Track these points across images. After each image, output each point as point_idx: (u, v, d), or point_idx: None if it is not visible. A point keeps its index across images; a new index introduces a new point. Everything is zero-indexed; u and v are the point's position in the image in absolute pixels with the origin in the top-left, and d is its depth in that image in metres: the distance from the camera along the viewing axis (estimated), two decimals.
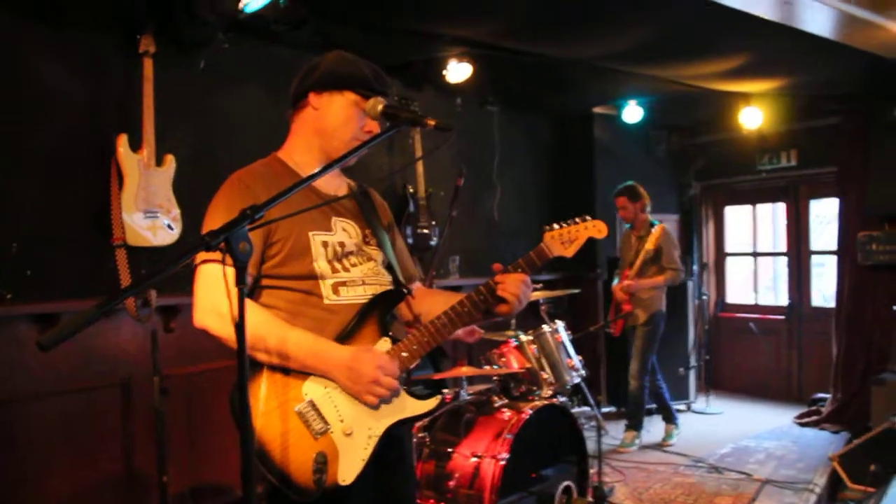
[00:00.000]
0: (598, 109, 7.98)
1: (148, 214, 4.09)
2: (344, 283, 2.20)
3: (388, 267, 2.40)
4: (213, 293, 2.03)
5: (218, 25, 4.50)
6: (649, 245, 6.19)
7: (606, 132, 8.08)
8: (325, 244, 2.18)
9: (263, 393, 2.05)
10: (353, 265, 2.24)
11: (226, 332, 2.01)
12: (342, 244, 2.23)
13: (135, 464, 4.18)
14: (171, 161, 4.24)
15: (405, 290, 2.35)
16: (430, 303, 2.46)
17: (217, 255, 1.96)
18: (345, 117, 2.22)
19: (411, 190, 6.09)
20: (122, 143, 4.06)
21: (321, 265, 2.16)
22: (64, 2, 4.09)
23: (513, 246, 6.99)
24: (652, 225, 6.32)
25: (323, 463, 2.01)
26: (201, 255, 2.04)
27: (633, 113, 7.56)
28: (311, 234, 2.16)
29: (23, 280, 3.87)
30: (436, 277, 5.59)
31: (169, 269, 1.58)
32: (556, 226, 2.37)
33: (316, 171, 2.05)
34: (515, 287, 2.24)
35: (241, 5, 4.20)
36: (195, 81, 4.63)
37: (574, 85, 6.94)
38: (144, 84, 4.15)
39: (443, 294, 2.58)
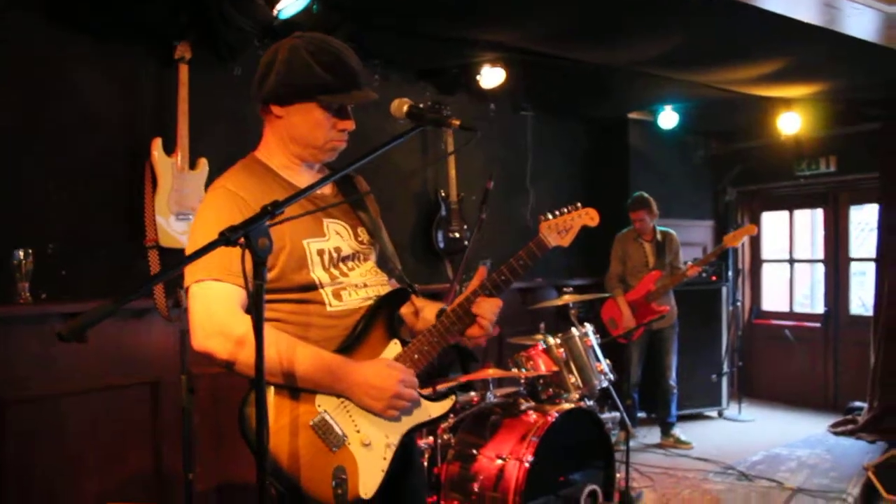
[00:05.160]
0: (633, 115, 7.95)
1: (181, 217, 4.16)
2: (344, 288, 2.13)
3: (384, 261, 2.33)
4: (214, 313, 1.96)
5: (253, 32, 4.56)
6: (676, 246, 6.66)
7: (642, 138, 8.04)
8: (320, 252, 2.10)
9: (273, 409, 1.97)
10: (351, 269, 2.17)
11: (233, 354, 1.93)
12: (338, 249, 2.15)
13: (164, 461, 4.25)
14: (204, 165, 4.30)
15: (411, 289, 2.28)
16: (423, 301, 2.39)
17: (213, 274, 1.94)
18: (312, 125, 2.10)
19: (443, 194, 6.11)
20: (157, 146, 4.14)
21: (319, 273, 2.09)
22: (99, 9, 4.15)
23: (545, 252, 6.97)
24: (655, 229, 6.61)
25: (343, 477, 1.92)
26: (194, 275, 1.98)
27: (668, 118, 7.53)
28: (305, 242, 2.07)
29: (57, 280, 3.96)
30: (465, 281, 5.60)
31: (184, 264, 1.61)
32: (550, 215, 2.36)
33: (315, 179, 2.05)
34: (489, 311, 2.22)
35: (275, 12, 4.27)
36: (230, 87, 4.69)
37: (609, 90, 6.91)
38: (180, 89, 4.23)
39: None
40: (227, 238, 1.61)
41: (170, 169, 4.17)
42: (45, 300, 3.85)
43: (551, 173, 7.44)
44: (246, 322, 1.88)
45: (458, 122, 2.05)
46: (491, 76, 5.83)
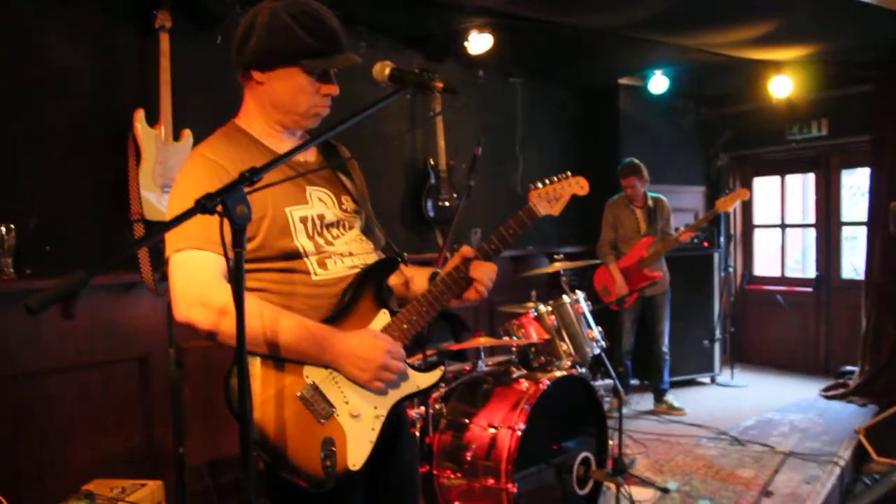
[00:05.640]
0: (623, 80, 7.89)
1: (165, 189, 4.10)
2: (329, 256, 2.08)
3: (369, 230, 2.31)
4: (196, 282, 1.90)
5: None
6: (668, 212, 6.63)
7: (632, 103, 7.98)
8: (303, 219, 2.05)
9: (259, 379, 1.94)
10: (336, 237, 2.12)
11: (215, 324, 1.88)
12: (321, 216, 2.10)
13: (154, 436, 4.23)
14: (188, 136, 4.22)
15: (399, 258, 2.24)
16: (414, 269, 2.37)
17: (193, 243, 1.89)
18: (295, 90, 2.04)
19: (432, 162, 6.07)
20: (139, 118, 4.06)
21: (302, 241, 2.04)
22: None
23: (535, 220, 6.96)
24: (646, 196, 6.59)
25: (332, 449, 1.92)
26: (174, 244, 1.92)
27: (659, 83, 7.48)
28: (287, 209, 2.02)
29: (42, 255, 3.90)
30: (455, 250, 5.57)
31: (159, 234, 1.57)
32: (539, 184, 2.35)
33: (297, 145, 1.94)
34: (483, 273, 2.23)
35: None
36: (212, 56, 4.60)
37: (599, 55, 6.85)
38: (161, 59, 4.13)
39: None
40: (203, 206, 1.54)
41: (153, 141, 4.09)
42: (30, 276, 3.79)
43: (541, 140, 7.41)
44: (228, 291, 1.85)
45: (440, 84, 1.99)
46: (479, 42, 5.78)
